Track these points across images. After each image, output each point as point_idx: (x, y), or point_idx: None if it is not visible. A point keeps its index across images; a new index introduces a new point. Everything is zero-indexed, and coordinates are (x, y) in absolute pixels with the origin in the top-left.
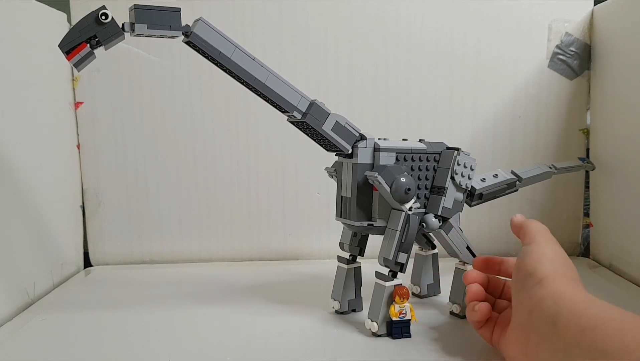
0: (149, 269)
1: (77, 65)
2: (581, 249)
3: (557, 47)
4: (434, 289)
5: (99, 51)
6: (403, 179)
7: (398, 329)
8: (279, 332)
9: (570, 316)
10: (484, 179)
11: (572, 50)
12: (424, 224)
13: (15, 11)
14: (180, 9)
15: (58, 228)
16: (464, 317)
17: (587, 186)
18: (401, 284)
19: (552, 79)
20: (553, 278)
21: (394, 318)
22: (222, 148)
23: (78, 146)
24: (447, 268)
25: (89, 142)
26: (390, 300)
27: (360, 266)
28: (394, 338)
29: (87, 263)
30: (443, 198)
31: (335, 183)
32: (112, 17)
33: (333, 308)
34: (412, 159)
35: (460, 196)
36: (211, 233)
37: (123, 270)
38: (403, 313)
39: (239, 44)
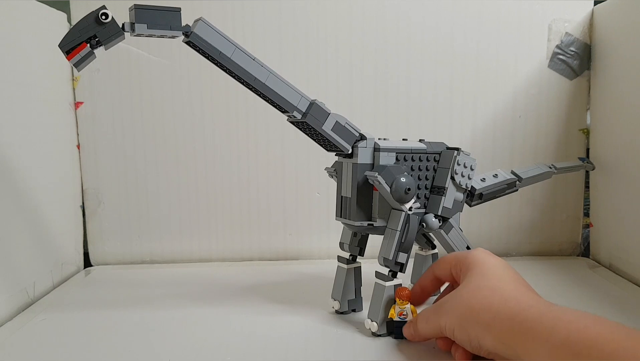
0: (149, 269)
1: (77, 65)
2: (581, 249)
3: (557, 47)
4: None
5: (99, 51)
6: (403, 179)
7: (399, 329)
8: (279, 332)
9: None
10: (484, 179)
11: (572, 50)
12: (424, 224)
13: (15, 11)
14: (180, 9)
15: (58, 228)
16: None
17: (587, 186)
18: (401, 284)
19: (552, 79)
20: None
21: (394, 319)
22: (222, 148)
23: (78, 146)
24: None
25: (89, 142)
26: (391, 302)
27: (360, 266)
28: (395, 338)
29: (87, 263)
30: (443, 197)
31: (335, 183)
32: (112, 17)
33: (333, 308)
34: (412, 159)
35: (460, 196)
36: (211, 233)
37: (123, 270)
38: (404, 314)
39: (239, 44)
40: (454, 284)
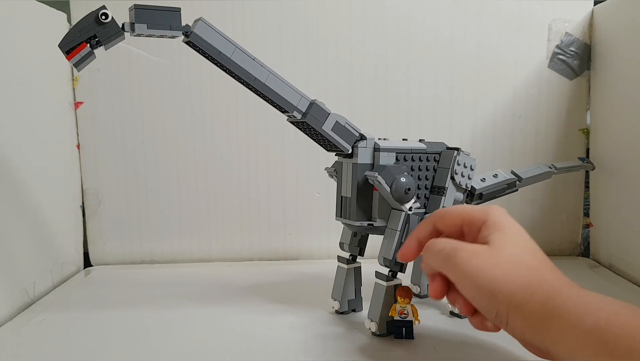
0: (149, 269)
1: (77, 65)
2: (581, 249)
3: (557, 47)
4: None
5: (99, 51)
6: (403, 179)
7: (400, 329)
8: (279, 332)
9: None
10: (484, 179)
11: (572, 50)
12: None
13: (15, 11)
14: (180, 9)
15: (58, 228)
16: (464, 317)
17: (587, 186)
18: (401, 284)
19: (552, 79)
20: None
21: (394, 317)
22: (222, 148)
23: (78, 146)
24: None
25: (89, 142)
26: (391, 300)
27: (360, 266)
28: (395, 338)
29: (87, 263)
30: (443, 197)
31: (335, 183)
32: (112, 17)
33: (333, 308)
34: (412, 159)
35: (460, 196)
36: (211, 233)
37: (123, 270)
38: (404, 313)
39: (239, 44)
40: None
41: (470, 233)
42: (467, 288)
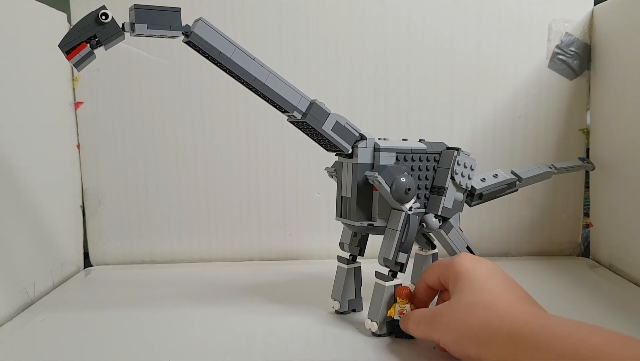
0: (149, 269)
1: (77, 65)
2: (581, 249)
3: (557, 47)
4: None
5: (99, 51)
6: (403, 179)
7: (400, 329)
8: (279, 332)
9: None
10: (484, 179)
11: (572, 50)
12: (424, 224)
13: (15, 11)
14: (180, 9)
15: (58, 228)
16: None
17: (587, 186)
18: (401, 284)
19: (552, 79)
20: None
21: (394, 317)
22: (222, 148)
23: (78, 146)
24: None
25: (89, 142)
26: (391, 301)
27: (360, 266)
28: (396, 338)
29: (87, 263)
30: (443, 198)
31: (335, 183)
32: (112, 17)
33: (333, 308)
34: (412, 159)
35: (460, 196)
36: (211, 233)
37: (123, 270)
38: (404, 313)
39: (239, 44)
40: (444, 292)
41: (445, 284)
42: (445, 344)
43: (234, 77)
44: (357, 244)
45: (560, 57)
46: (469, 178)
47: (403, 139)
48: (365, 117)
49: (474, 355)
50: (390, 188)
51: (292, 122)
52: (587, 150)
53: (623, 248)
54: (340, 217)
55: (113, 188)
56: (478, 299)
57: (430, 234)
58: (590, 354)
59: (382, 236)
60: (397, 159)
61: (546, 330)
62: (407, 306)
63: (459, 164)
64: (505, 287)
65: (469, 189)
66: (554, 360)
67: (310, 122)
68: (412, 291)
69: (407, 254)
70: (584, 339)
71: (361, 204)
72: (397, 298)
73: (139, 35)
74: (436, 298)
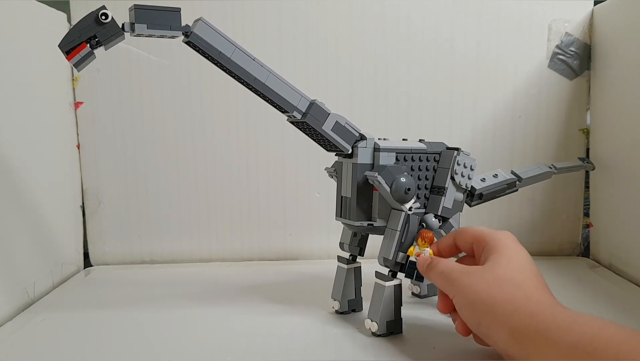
0: (149, 269)
1: (77, 65)
2: (581, 249)
3: (557, 47)
4: (434, 289)
5: (99, 51)
6: (403, 179)
7: (413, 270)
8: (279, 332)
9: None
10: (484, 179)
11: (572, 50)
12: (424, 224)
13: (15, 11)
14: (180, 9)
15: (58, 228)
16: None
17: (587, 186)
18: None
19: (552, 79)
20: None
21: (411, 258)
22: (222, 148)
23: (78, 146)
24: None
25: (89, 142)
26: (392, 300)
27: (360, 266)
28: (406, 277)
29: (87, 263)
30: (443, 198)
31: (335, 183)
32: (112, 17)
33: (333, 308)
34: (412, 159)
35: (460, 196)
36: (211, 233)
37: (123, 270)
38: (422, 256)
39: (239, 44)
40: (470, 258)
41: (477, 251)
42: (458, 302)
43: (234, 77)
44: (357, 244)
45: (560, 57)
46: (469, 178)
47: (403, 139)
48: (365, 117)
49: (484, 324)
50: (390, 188)
51: (292, 122)
52: (587, 150)
53: (623, 248)
54: (340, 217)
55: (113, 188)
56: (511, 275)
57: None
58: (606, 345)
59: (382, 236)
60: (397, 159)
61: (568, 317)
62: (427, 250)
63: (458, 164)
64: (536, 275)
65: (469, 189)
66: (570, 346)
67: (310, 122)
68: (433, 236)
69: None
70: (603, 328)
71: (361, 204)
72: (419, 241)
73: (139, 35)
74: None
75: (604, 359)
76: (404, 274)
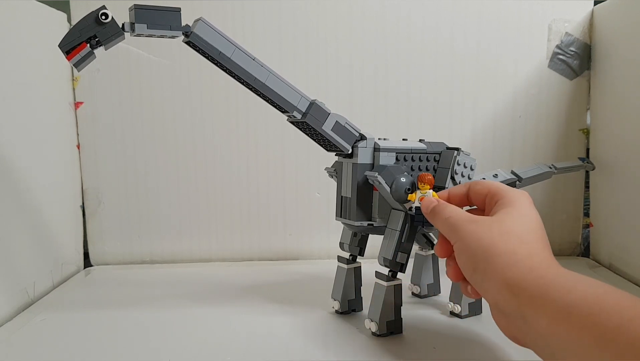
0: (149, 269)
1: (77, 65)
2: (581, 249)
3: (557, 47)
4: (434, 289)
5: (99, 51)
6: (403, 179)
7: (421, 216)
8: (279, 332)
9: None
10: (484, 179)
11: (572, 50)
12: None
13: (15, 11)
14: (180, 9)
15: (58, 228)
16: (464, 317)
17: (587, 186)
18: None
19: (552, 79)
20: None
21: (415, 204)
22: (222, 148)
23: (78, 146)
24: None
25: (89, 142)
26: (392, 300)
27: (360, 266)
28: (415, 224)
29: (87, 263)
30: None
31: (335, 183)
32: (112, 17)
33: (333, 308)
34: (412, 159)
35: None
36: (211, 233)
37: (123, 270)
38: (425, 199)
39: (239, 44)
40: (480, 212)
41: (489, 205)
42: (458, 248)
43: (234, 77)
44: (357, 244)
45: (560, 57)
46: (469, 178)
47: (403, 139)
48: (365, 117)
49: (480, 270)
50: (390, 188)
51: (292, 122)
52: (587, 150)
53: (623, 248)
54: (340, 217)
55: (113, 188)
56: (518, 230)
57: (430, 234)
58: (612, 306)
59: (382, 236)
60: (397, 159)
61: (570, 276)
62: (430, 192)
63: (459, 164)
64: (544, 240)
65: None
66: (572, 305)
67: (310, 122)
68: (432, 178)
69: (407, 254)
70: (608, 292)
71: (361, 204)
72: (419, 184)
73: (139, 35)
74: None
75: (608, 320)
76: (415, 221)
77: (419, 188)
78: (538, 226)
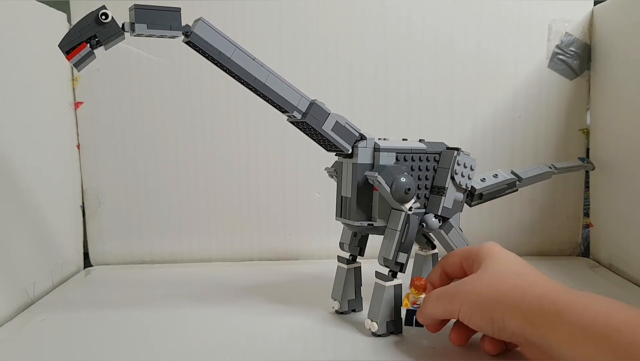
0: (149, 269)
1: (77, 65)
2: (581, 249)
3: (557, 47)
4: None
5: (99, 51)
6: (403, 179)
7: (411, 318)
8: (279, 332)
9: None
10: (484, 179)
11: (572, 50)
12: (424, 224)
13: (15, 11)
14: (180, 9)
15: (58, 228)
16: None
17: (587, 186)
18: (401, 284)
19: (552, 79)
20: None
21: (407, 308)
22: (222, 148)
23: (78, 146)
24: None
25: (89, 142)
26: (392, 300)
27: (360, 266)
28: (406, 325)
29: (87, 263)
30: (443, 198)
31: (335, 183)
32: (112, 17)
33: (333, 308)
34: (412, 159)
35: (460, 196)
36: (211, 233)
37: (123, 270)
38: (417, 304)
39: (239, 44)
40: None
41: (468, 268)
42: (465, 313)
43: (234, 77)
44: (357, 244)
45: (560, 57)
46: (469, 178)
47: (403, 139)
48: (365, 117)
49: (497, 318)
50: (390, 188)
51: (292, 122)
52: (587, 150)
53: (623, 248)
54: (340, 217)
55: (113, 188)
56: (508, 268)
57: (430, 234)
58: (622, 325)
59: (382, 236)
60: (397, 159)
61: (582, 298)
62: (422, 297)
63: (459, 164)
64: (532, 269)
65: (469, 189)
66: (586, 326)
67: (310, 122)
68: (426, 284)
69: (407, 254)
70: (619, 309)
71: (361, 204)
72: (412, 290)
73: (139, 35)
74: None
75: (620, 339)
76: (405, 324)
77: (411, 292)
78: (520, 261)
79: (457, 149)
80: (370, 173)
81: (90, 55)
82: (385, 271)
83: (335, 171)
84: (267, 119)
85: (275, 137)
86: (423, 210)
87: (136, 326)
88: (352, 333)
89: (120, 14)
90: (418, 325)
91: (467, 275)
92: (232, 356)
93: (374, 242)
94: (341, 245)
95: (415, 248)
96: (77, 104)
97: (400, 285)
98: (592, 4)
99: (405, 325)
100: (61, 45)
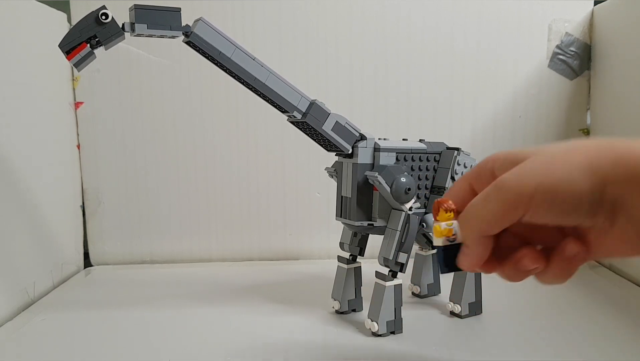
0: (149, 269)
1: (77, 65)
2: None
3: (557, 47)
4: (434, 289)
5: (99, 51)
6: (403, 179)
7: (450, 258)
8: (279, 332)
9: None
10: None
11: (572, 50)
12: (424, 224)
13: (15, 11)
14: (180, 9)
15: (58, 228)
16: (464, 317)
17: None
18: (401, 284)
19: (552, 79)
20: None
21: (437, 243)
22: (222, 148)
23: (78, 146)
24: None
25: (89, 142)
26: (392, 300)
27: (360, 266)
28: (442, 273)
29: (87, 263)
30: None
31: (335, 183)
32: (112, 17)
33: (333, 308)
34: (412, 159)
35: None
36: (211, 233)
37: (123, 270)
38: (454, 234)
39: (239, 44)
40: None
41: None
42: (540, 196)
43: (234, 77)
44: (357, 244)
45: (560, 57)
46: None
47: (403, 139)
48: (365, 117)
49: (594, 189)
50: (390, 188)
51: (292, 122)
52: None
53: None
54: (340, 217)
55: (113, 188)
56: (560, 146)
57: (431, 234)
58: None
59: (382, 236)
60: (397, 159)
61: None
62: (455, 223)
63: (459, 164)
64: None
65: None
66: None
67: (310, 122)
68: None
69: (407, 254)
70: None
71: (361, 204)
72: (441, 212)
73: (139, 35)
74: None
75: None
76: (442, 267)
77: (438, 219)
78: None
79: (457, 149)
80: (370, 173)
81: (90, 55)
82: (385, 271)
83: (336, 171)
84: (267, 119)
85: (275, 137)
86: (423, 210)
87: (136, 326)
88: (352, 333)
89: (120, 14)
90: (457, 269)
91: None
92: (232, 356)
93: (374, 242)
94: (341, 245)
95: (415, 247)
96: (77, 104)
97: (400, 285)
98: (592, 4)
99: (442, 272)
100: (61, 46)
